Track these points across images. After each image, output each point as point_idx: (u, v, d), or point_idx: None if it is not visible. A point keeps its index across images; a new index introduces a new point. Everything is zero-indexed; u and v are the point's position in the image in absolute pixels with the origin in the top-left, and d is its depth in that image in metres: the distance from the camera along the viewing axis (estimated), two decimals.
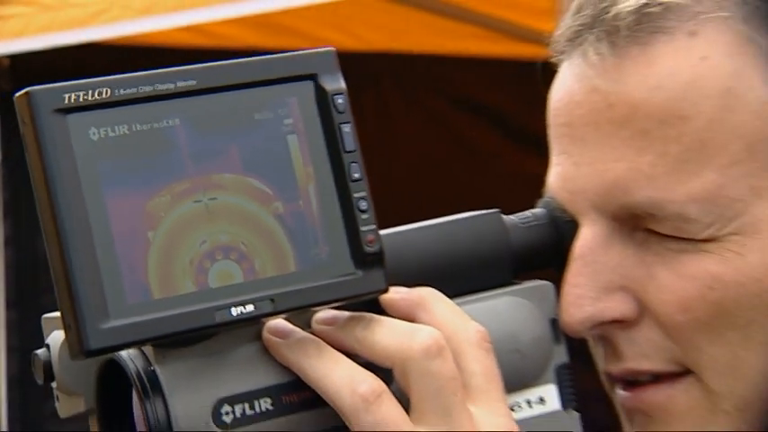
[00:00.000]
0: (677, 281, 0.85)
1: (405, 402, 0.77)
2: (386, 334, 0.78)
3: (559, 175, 0.89)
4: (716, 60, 0.84)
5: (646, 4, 0.84)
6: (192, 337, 0.77)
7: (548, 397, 0.87)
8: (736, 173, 0.84)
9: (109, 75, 2.34)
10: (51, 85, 0.73)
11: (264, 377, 0.79)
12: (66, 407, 0.82)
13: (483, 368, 0.79)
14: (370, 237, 0.79)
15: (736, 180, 0.84)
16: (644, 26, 0.84)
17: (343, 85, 0.79)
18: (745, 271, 0.84)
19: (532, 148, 3.33)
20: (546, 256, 0.90)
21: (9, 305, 3.00)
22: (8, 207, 2.97)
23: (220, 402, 0.77)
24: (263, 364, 0.79)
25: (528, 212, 0.91)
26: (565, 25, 0.89)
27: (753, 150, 0.84)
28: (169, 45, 2.92)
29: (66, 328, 0.73)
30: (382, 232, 0.81)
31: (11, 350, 3.00)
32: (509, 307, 0.87)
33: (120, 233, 0.74)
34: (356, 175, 0.79)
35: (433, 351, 0.77)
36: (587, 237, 0.86)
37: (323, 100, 0.78)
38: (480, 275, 0.88)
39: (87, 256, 0.72)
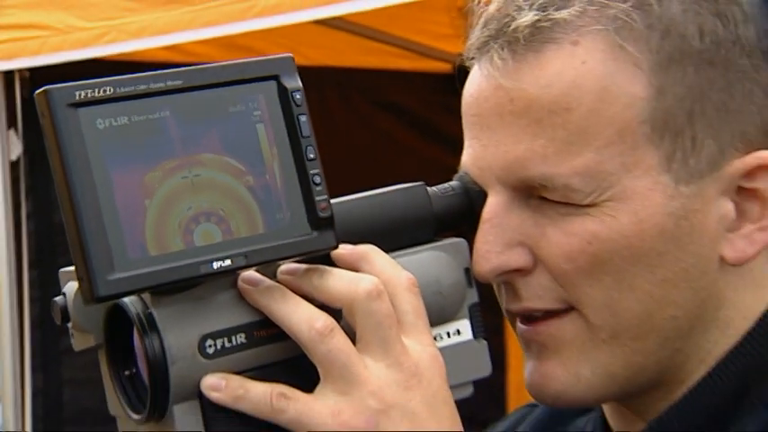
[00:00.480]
0: (563, 238, 0.84)
1: (351, 335, 0.78)
2: (336, 281, 0.78)
3: (471, 155, 0.88)
4: (593, 64, 0.83)
5: (539, 20, 0.83)
6: (182, 286, 0.76)
7: (463, 329, 0.87)
8: (609, 152, 0.83)
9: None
10: (65, 84, 0.73)
11: (240, 317, 0.78)
12: (79, 342, 0.81)
13: (413, 308, 0.79)
14: (323, 204, 0.78)
15: (610, 158, 0.83)
16: (537, 37, 0.84)
17: (299, 83, 0.79)
18: (617, 229, 0.83)
19: (439, 141, 3.46)
20: (460, 219, 0.89)
21: (31, 265, 3.02)
22: (30, 189, 3.01)
23: (204, 337, 0.77)
24: (238, 306, 0.78)
25: (446, 184, 0.90)
26: (474, 37, 0.88)
27: (622, 135, 0.83)
28: (154, 60, 2.97)
29: (80, 280, 0.73)
30: (332, 201, 0.81)
31: (33, 300, 3.02)
32: (432, 259, 0.87)
33: (123, 202, 0.74)
34: (311, 155, 0.79)
35: (374, 294, 0.77)
36: (493, 204, 0.86)
37: (284, 96, 0.78)
38: (409, 234, 0.87)
39: (96, 220, 0.72)
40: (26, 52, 2.83)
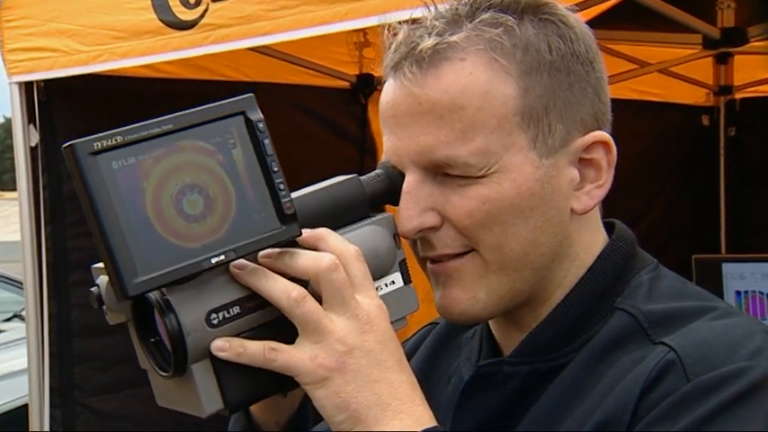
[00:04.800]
0: (464, 201, 0.84)
1: (318, 299, 0.77)
2: (303, 260, 0.77)
3: (390, 147, 0.87)
4: (478, 74, 0.83)
5: (437, 44, 0.83)
6: (190, 277, 0.74)
7: (396, 280, 0.87)
8: (494, 137, 0.83)
9: (100, 90, 2.61)
10: (85, 138, 0.70)
11: (234, 293, 0.76)
12: (113, 318, 0.79)
13: (360, 272, 0.79)
14: (288, 204, 0.77)
15: (494, 141, 0.83)
16: (436, 56, 0.83)
17: (261, 115, 0.77)
18: (502, 193, 0.84)
19: (342, 136, 3.52)
20: (386, 197, 0.88)
21: (46, 222, 2.93)
22: (44, 167, 2.94)
23: (210, 312, 0.75)
24: (232, 286, 0.77)
25: (373, 173, 0.88)
26: (388, 58, 0.87)
27: (502, 124, 0.83)
28: (135, 75, 2.95)
29: (112, 284, 0.71)
30: (295, 194, 0.81)
31: (48, 249, 2.93)
32: (370, 232, 0.85)
33: (135, 218, 0.71)
34: (275, 169, 0.77)
35: (333, 267, 0.77)
36: (410, 181, 0.86)
37: (250, 126, 0.76)
38: (351, 214, 0.85)
39: (119, 239, 0.70)
40: (42, 68, 2.83)
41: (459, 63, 0.83)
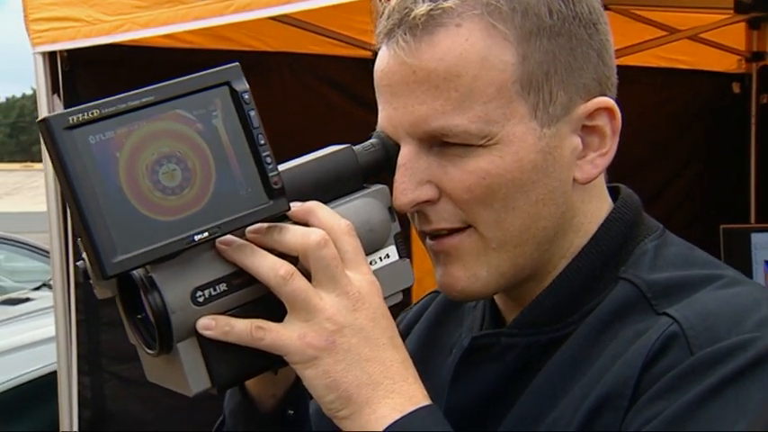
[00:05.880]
0: (463, 175, 0.81)
1: (307, 275, 0.75)
2: (291, 236, 0.76)
3: (385, 117, 0.85)
4: (474, 41, 0.80)
5: (431, 10, 0.80)
6: (171, 255, 0.72)
7: (391, 253, 0.84)
8: (493, 105, 0.80)
9: (123, 60, 2.61)
10: (61, 112, 0.68)
11: (220, 270, 0.75)
12: (100, 293, 0.77)
13: (352, 247, 0.77)
14: (275, 178, 0.74)
15: (494, 109, 0.80)
16: (430, 23, 0.80)
17: (247, 86, 0.74)
18: (504, 167, 0.81)
19: (363, 104, 3.31)
20: (382, 168, 0.86)
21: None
22: None
23: (195, 290, 0.73)
24: (218, 262, 0.75)
25: (367, 142, 0.86)
26: (381, 26, 0.84)
27: (501, 92, 0.80)
28: (156, 45, 2.97)
29: (91, 263, 0.69)
30: (284, 166, 0.78)
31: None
32: (363, 204, 0.83)
33: (116, 196, 0.68)
34: (262, 141, 0.74)
35: (322, 243, 0.75)
36: (405, 152, 0.83)
37: (235, 97, 0.73)
38: (344, 186, 0.83)
39: (97, 215, 0.67)
40: (65, 38, 2.83)
41: (455, 29, 0.80)
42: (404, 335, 0.96)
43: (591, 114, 0.84)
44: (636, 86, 3.63)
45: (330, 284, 0.75)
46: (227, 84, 0.73)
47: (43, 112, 2.90)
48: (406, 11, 0.81)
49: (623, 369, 0.75)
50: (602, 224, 0.86)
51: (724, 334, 0.74)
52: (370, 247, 0.81)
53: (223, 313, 0.74)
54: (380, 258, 0.83)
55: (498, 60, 0.80)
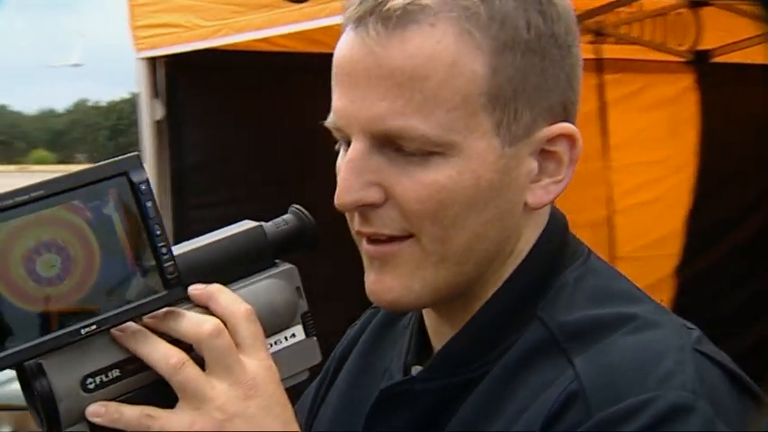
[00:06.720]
0: (416, 185, 0.78)
1: (202, 362, 0.74)
2: (186, 323, 0.74)
3: (340, 108, 0.80)
4: (446, 43, 0.76)
5: (408, 4, 0.77)
6: (54, 349, 0.70)
7: (297, 332, 0.83)
8: (456, 114, 0.77)
9: (221, 64, 2.63)
10: None
11: (113, 356, 0.73)
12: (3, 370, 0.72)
13: (250, 333, 0.75)
14: (171, 269, 0.74)
15: (456, 119, 0.77)
16: (404, 17, 0.77)
17: (145, 176, 0.73)
18: (461, 183, 0.77)
19: None
20: (293, 245, 0.84)
21: (171, 192, 3.00)
22: (169, 140, 3.05)
23: (86, 377, 0.72)
24: (111, 348, 0.74)
25: (280, 218, 0.84)
26: (352, 9, 0.79)
27: (466, 102, 0.77)
28: (252, 49, 3.00)
29: None
30: (191, 245, 0.79)
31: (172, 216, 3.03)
32: (268, 286, 0.81)
33: (4, 293, 0.67)
34: (158, 232, 0.73)
35: (215, 333, 0.73)
36: (355, 149, 0.79)
37: (132, 187, 0.72)
38: (253, 265, 0.81)
39: None
40: (165, 43, 2.91)
41: (428, 28, 0.76)
42: (345, 356, 0.97)
43: (552, 139, 0.81)
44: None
45: (223, 373, 0.73)
46: (125, 174, 0.72)
47: (144, 116, 2.99)
48: (381, 0, 0.77)
49: (524, 430, 0.74)
50: (528, 253, 0.83)
51: (624, 392, 0.70)
52: (274, 329, 0.81)
53: (115, 399, 0.73)
54: (285, 338, 0.82)
55: (468, 69, 0.77)
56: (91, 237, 0.71)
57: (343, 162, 0.79)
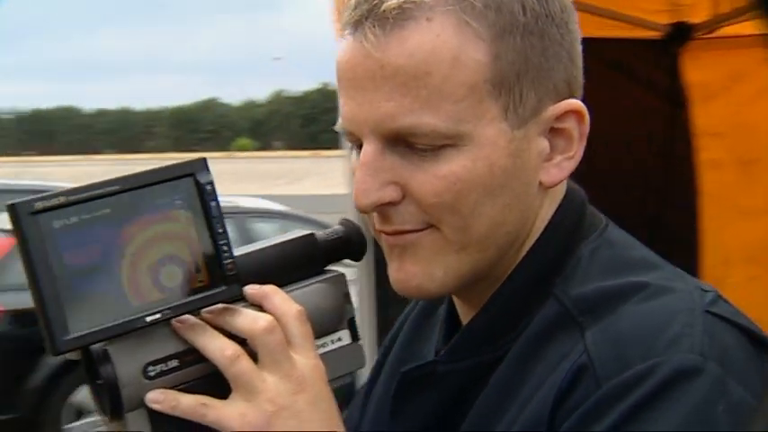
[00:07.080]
0: (432, 178, 0.78)
1: (255, 356, 0.75)
2: (242, 319, 0.76)
3: (348, 113, 0.80)
4: (446, 37, 0.76)
5: (403, 2, 0.77)
6: (122, 334, 0.72)
7: (344, 337, 0.84)
8: (464, 105, 0.77)
9: None
10: (28, 198, 0.70)
11: (173, 347, 0.76)
12: (70, 354, 0.74)
13: (300, 332, 0.77)
14: (230, 266, 0.76)
15: (464, 109, 0.77)
16: (401, 16, 0.77)
17: (211, 178, 0.75)
18: (475, 173, 0.77)
19: (657, 94, 2.80)
20: (342, 253, 0.87)
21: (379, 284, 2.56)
22: None
23: (147, 364, 0.74)
24: (172, 338, 0.76)
25: (331, 229, 0.87)
26: (348, 15, 0.80)
27: (472, 91, 0.77)
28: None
29: (44, 339, 0.70)
30: (249, 249, 0.82)
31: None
32: (318, 290, 0.84)
33: (77, 278, 0.70)
34: (220, 230, 0.76)
35: (269, 330, 0.75)
36: (368, 151, 0.78)
37: (199, 188, 0.75)
38: (304, 270, 0.84)
39: (53, 296, 0.69)
40: None
41: (426, 23, 0.77)
42: (390, 347, 0.99)
43: (559, 117, 0.81)
44: None
45: (274, 367, 0.75)
46: (192, 176, 0.76)
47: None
48: (376, 2, 0.78)
49: (537, 407, 0.75)
50: (543, 231, 0.83)
51: (632, 359, 0.71)
52: (321, 331, 0.82)
53: (173, 387, 0.75)
54: (332, 341, 0.84)
55: (470, 59, 0.77)
56: (194, 238, 0.75)
57: (356, 165, 0.80)
